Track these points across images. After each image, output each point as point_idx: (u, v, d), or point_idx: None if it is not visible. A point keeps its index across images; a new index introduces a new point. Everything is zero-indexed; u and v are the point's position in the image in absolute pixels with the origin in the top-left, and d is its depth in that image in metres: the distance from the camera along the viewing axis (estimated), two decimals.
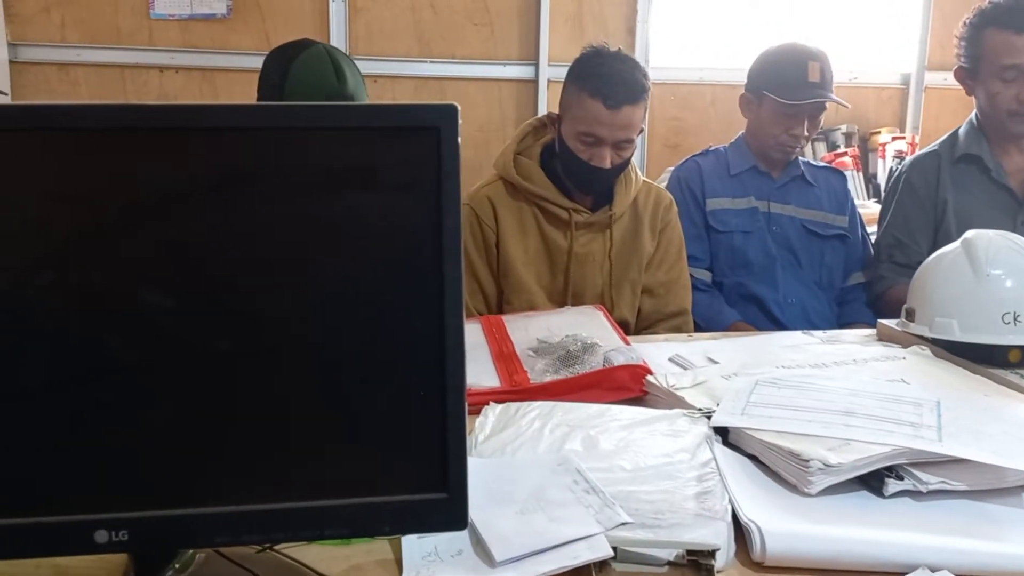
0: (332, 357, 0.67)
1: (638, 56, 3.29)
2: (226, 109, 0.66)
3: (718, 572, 0.78)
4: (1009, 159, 1.87)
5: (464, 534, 0.80)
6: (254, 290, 0.67)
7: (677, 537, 0.80)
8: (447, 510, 0.69)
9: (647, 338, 1.64)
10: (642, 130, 1.71)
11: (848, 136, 3.55)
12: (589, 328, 1.46)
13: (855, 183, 3.40)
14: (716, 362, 1.35)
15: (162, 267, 0.65)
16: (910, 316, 1.44)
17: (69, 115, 0.64)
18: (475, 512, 0.79)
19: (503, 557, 0.77)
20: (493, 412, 1.11)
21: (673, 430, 1.04)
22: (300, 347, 0.67)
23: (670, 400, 1.17)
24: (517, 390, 1.21)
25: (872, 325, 1.61)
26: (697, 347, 1.46)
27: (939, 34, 3.33)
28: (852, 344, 1.47)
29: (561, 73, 1.75)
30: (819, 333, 1.58)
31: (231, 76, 3.10)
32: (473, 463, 0.72)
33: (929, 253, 1.53)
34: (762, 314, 1.92)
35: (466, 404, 0.69)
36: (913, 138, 3.49)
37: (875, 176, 3.51)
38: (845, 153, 3.43)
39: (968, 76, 1.89)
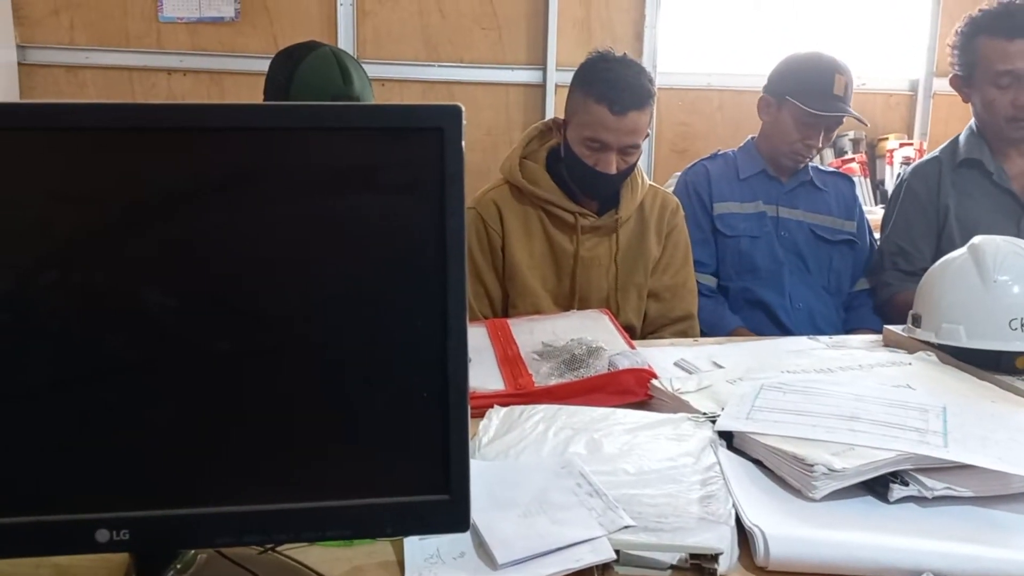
0: (335, 357, 0.67)
1: (646, 61, 3.30)
2: (230, 109, 0.66)
3: None
4: (1011, 163, 1.87)
5: (466, 536, 0.80)
6: (257, 290, 0.67)
7: (680, 541, 0.80)
8: (449, 512, 0.69)
9: (652, 342, 1.64)
10: (648, 135, 1.71)
11: (856, 142, 3.54)
12: (594, 332, 1.46)
13: (862, 189, 3.39)
14: (721, 366, 1.34)
15: (165, 267, 0.65)
16: (916, 322, 1.44)
17: (73, 114, 0.64)
18: (477, 514, 0.79)
19: (505, 559, 0.77)
20: (497, 415, 1.10)
21: (677, 434, 1.04)
22: (303, 347, 0.67)
23: (675, 404, 1.16)
24: (522, 393, 1.21)
25: (879, 331, 1.60)
26: (702, 351, 1.46)
27: (947, 40, 3.32)
28: (858, 349, 1.47)
29: (568, 78, 1.75)
30: (825, 338, 1.58)
31: (239, 79, 3.11)
32: (476, 466, 0.72)
33: (932, 259, 1.53)
34: (768, 319, 1.92)
35: (468, 405, 0.69)
36: (921, 144, 3.48)
37: (883, 182, 3.50)
38: (853, 159, 3.42)
39: (963, 84, 1.89)
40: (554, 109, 3.26)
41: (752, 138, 2.07)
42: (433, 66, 3.25)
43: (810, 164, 2.03)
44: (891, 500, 0.89)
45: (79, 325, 0.64)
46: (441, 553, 0.79)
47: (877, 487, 0.91)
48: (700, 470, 0.94)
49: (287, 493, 0.67)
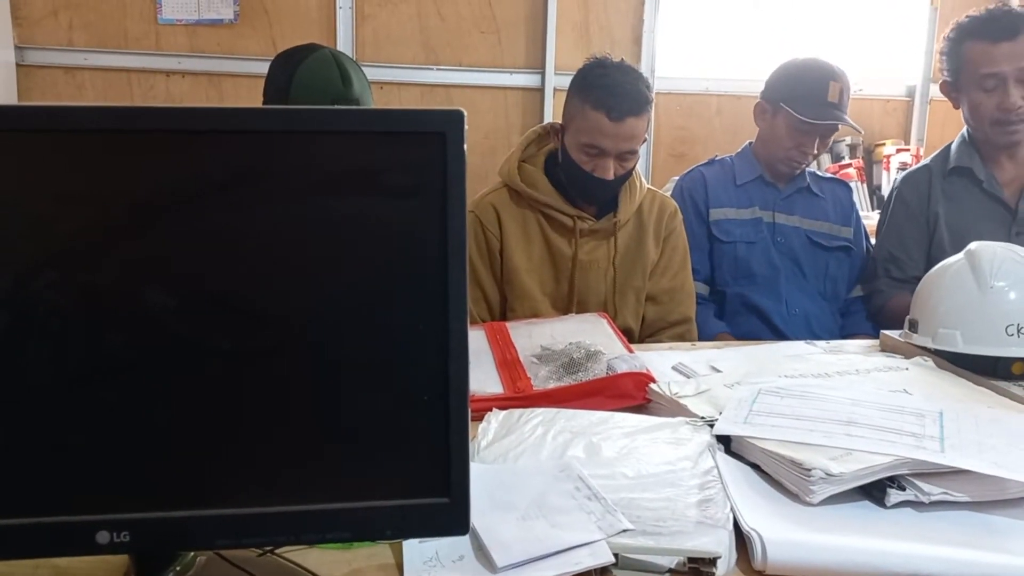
0: (335, 360, 0.67)
1: (644, 65, 3.31)
2: (232, 112, 0.67)
3: None
4: (1002, 170, 1.87)
5: (465, 539, 0.80)
6: (258, 293, 0.67)
7: (678, 544, 0.80)
8: (448, 515, 0.69)
9: (650, 346, 1.64)
10: (645, 140, 1.72)
11: (853, 148, 3.55)
12: (593, 336, 1.46)
13: (859, 194, 3.40)
14: (719, 371, 1.35)
15: (167, 269, 0.65)
16: (913, 327, 1.44)
17: (75, 116, 0.64)
18: (477, 517, 0.79)
19: (504, 563, 0.77)
20: (496, 418, 1.11)
21: (676, 438, 1.04)
22: (304, 350, 0.67)
23: (673, 408, 1.17)
24: (520, 397, 1.22)
25: (875, 336, 1.61)
26: (700, 356, 1.46)
27: (938, 47, 3.33)
28: (855, 354, 1.47)
29: (567, 82, 1.76)
30: (822, 343, 1.58)
31: (238, 81, 3.11)
32: (475, 469, 0.72)
33: (925, 266, 1.53)
34: (765, 325, 1.92)
35: (469, 409, 0.69)
36: (918, 150, 3.50)
37: (879, 188, 3.51)
38: (850, 164, 3.43)
39: (952, 89, 1.90)
40: (553, 113, 3.26)
41: (750, 144, 2.07)
42: (432, 69, 3.25)
43: (807, 170, 2.04)
44: (888, 505, 0.89)
45: (79, 326, 0.65)
46: (440, 556, 0.79)
47: (874, 492, 0.91)
48: (698, 474, 0.94)
49: (287, 495, 0.68)
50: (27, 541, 0.65)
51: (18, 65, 3.00)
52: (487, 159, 3.00)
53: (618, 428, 1.08)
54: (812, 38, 3.39)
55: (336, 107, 0.92)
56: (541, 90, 3.31)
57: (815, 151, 1.94)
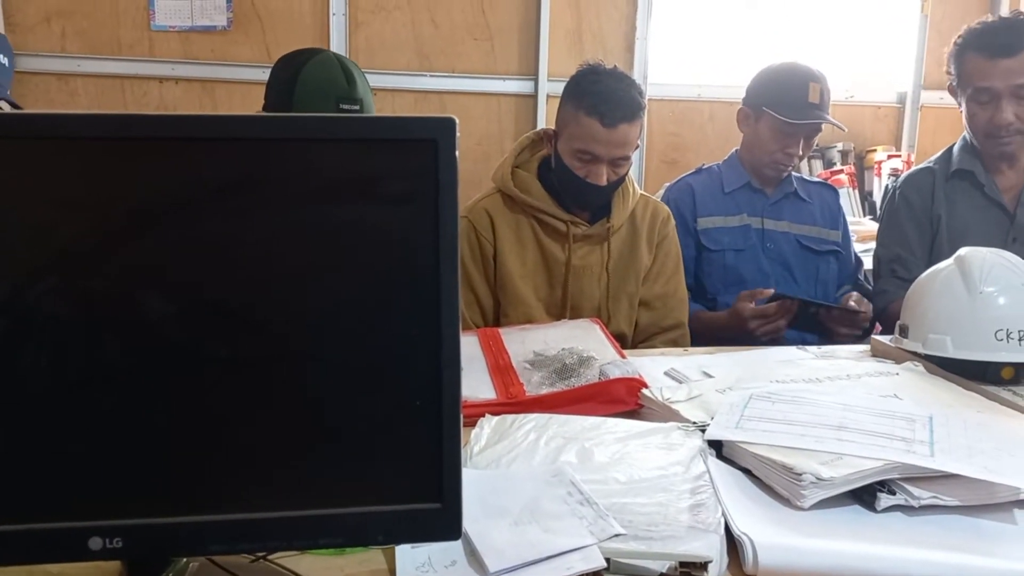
0: (328, 365, 0.68)
1: (636, 72, 3.32)
2: (226, 120, 0.67)
3: None
4: (1002, 176, 1.89)
5: (458, 544, 0.80)
6: (251, 298, 0.67)
7: (670, 549, 0.80)
8: (441, 520, 0.69)
9: (643, 352, 1.65)
10: (638, 146, 1.72)
11: (844, 154, 3.57)
12: (585, 341, 1.46)
13: (851, 200, 3.42)
14: (711, 376, 1.35)
15: (160, 275, 0.66)
16: (904, 332, 1.45)
17: (73, 124, 0.65)
18: (469, 523, 0.80)
19: (496, 568, 0.77)
20: (489, 424, 1.11)
21: (668, 443, 1.05)
22: (297, 355, 0.68)
23: (665, 413, 1.17)
24: (513, 402, 1.22)
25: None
26: (692, 361, 1.47)
27: (935, 53, 3.35)
28: (846, 360, 1.48)
29: (560, 88, 1.77)
30: (813, 348, 1.59)
31: (231, 88, 3.11)
32: (468, 474, 0.72)
33: (927, 267, 1.53)
34: None
35: (461, 414, 0.69)
36: (909, 156, 3.52)
37: (871, 194, 3.53)
38: (841, 171, 3.45)
39: (955, 94, 1.92)
40: (546, 119, 3.27)
41: (736, 151, 2.09)
42: (425, 76, 3.26)
43: (794, 175, 2.06)
44: (878, 509, 0.90)
45: (73, 332, 0.65)
46: (433, 561, 0.79)
47: (865, 496, 0.92)
48: (690, 479, 0.95)
49: (279, 501, 0.68)
50: (19, 547, 0.65)
51: None
52: (480, 165, 3.00)
53: (610, 433, 1.08)
54: (804, 45, 3.41)
55: (328, 115, 0.92)
56: (534, 96, 3.32)
57: (800, 152, 1.95)
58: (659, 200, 1.94)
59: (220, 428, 0.67)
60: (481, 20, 3.28)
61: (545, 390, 1.27)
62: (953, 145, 1.96)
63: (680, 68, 3.48)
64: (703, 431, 1.07)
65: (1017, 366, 1.30)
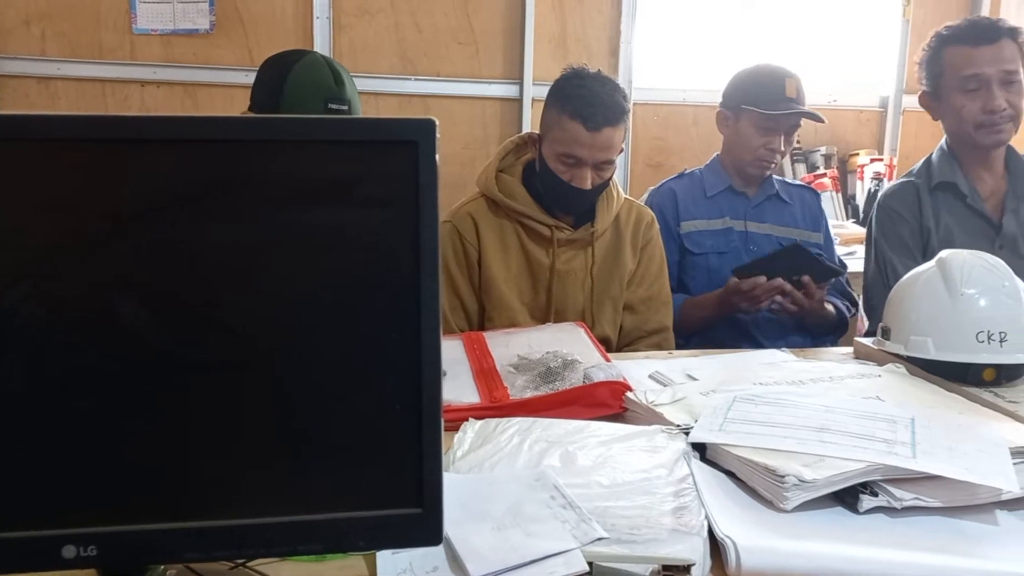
0: (307, 370, 0.67)
1: (621, 76, 3.33)
2: (205, 121, 0.66)
3: None
4: (982, 184, 1.88)
5: (440, 550, 0.80)
6: (230, 302, 0.66)
7: (653, 552, 0.80)
8: (421, 525, 0.69)
9: (627, 355, 1.65)
10: (622, 150, 1.73)
11: (827, 157, 3.59)
12: (570, 345, 1.46)
13: (834, 204, 3.44)
14: (695, 379, 1.35)
15: (137, 279, 0.65)
16: (886, 334, 1.45)
17: (49, 126, 0.64)
18: (451, 528, 0.79)
19: (478, 572, 0.77)
20: (472, 428, 1.10)
21: (651, 446, 1.04)
22: (275, 360, 0.67)
23: (649, 416, 1.17)
24: (497, 406, 1.21)
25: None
26: (676, 364, 1.47)
27: (917, 57, 3.39)
28: (829, 362, 1.48)
29: (545, 92, 1.77)
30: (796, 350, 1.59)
31: (213, 91, 3.09)
32: (450, 479, 0.72)
33: None
34: (739, 333, 1.93)
35: (442, 419, 0.69)
36: (891, 160, 3.54)
37: (853, 197, 3.56)
38: (824, 175, 3.47)
39: (931, 99, 1.90)
40: (531, 123, 3.27)
41: (717, 155, 2.10)
42: (410, 79, 3.25)
43: (775, 177, 2.07)
44: (861, 511, 0.90)
45: (44, 337, 0.64)
46: (414, 567, 0.78)
47: (847, 498, 0.92)
48: (673, 482, 0.95)
49: (258, 507, 0.67)
50: None
51: None
52: (465, 169, 3.00)
53: (594, 437, 1.08)
54: (788, 49, 3.42)
55: (307, 116, 0.91)
56: (519, 100, 3.32)
57: (782, 148, 1.96)
58: (643, 204, 1.95)
59: (196, 434, 0.66)
60: (465, 24, 3.27)
61: (529, 394, 1.27)
62: (931, 155, 1.94)
63: (665, 72, 3.49)
64: (687, 434, 1.07)
65: (998, 367, 1.31)
